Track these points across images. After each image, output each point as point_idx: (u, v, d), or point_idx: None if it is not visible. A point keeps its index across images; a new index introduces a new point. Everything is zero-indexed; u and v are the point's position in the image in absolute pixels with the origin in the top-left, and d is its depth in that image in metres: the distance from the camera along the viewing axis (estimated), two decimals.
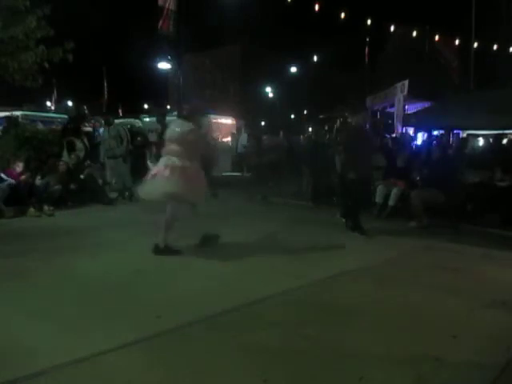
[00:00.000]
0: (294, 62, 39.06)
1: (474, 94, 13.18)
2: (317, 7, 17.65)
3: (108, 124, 9.85)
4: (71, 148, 9.20)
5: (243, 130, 17.13)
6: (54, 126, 12.65)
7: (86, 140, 9.84)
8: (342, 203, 7.42)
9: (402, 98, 12.95)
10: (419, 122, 11.33)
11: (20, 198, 7.62)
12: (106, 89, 40.04)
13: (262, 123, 30.40)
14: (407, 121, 12.08)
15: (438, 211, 7.13)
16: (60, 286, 4.10)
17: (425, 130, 12.85)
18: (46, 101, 36.43)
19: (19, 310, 3.52)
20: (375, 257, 5.37)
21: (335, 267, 4.79)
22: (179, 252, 5.16)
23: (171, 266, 4.78)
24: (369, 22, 19.83)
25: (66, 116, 15.10)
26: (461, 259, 5.29)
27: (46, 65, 10.69)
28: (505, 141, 10.79)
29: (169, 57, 14.98)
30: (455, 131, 12.47)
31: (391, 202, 7.78)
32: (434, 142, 10.57)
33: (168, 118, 11.44)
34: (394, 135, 12.51)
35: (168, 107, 30.59)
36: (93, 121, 13.39)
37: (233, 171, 15.39)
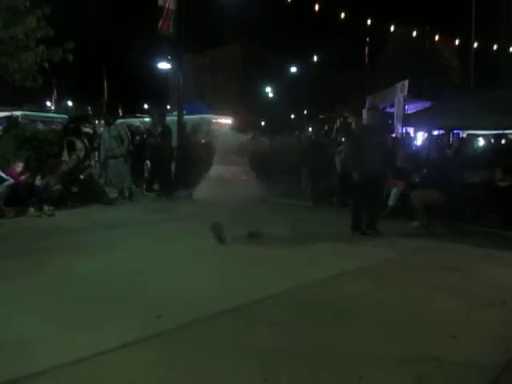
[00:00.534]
0: (294, 61, 39.09)
1: (474, 94, 13.15)
2: (317, 7, 17.63)
3: (108, 124, 9.86)
4: (71, 148, 9.20)
5: None
6: (54, 126, 12.65)
7: (86, 140, 9.85)
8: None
9: (401, 98, 12.92)
10: (419, 122, 11.31)
11: (20, 198, 7.62)
12: (106, 89, 40.02)
13: (262, 123, 30.39)
14: (407, 121, 12.07)
15: (438, 211, 7.13)
16: (60, 285, 4.10)
17: (425, 130, 12.85)
18: (46, 101, 36.40)
19: (19, 309, 3.52)
20: (375, 257, 5.37)
21: (335, 267, 4.79)
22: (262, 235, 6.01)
23: (171, 266, 4.78)
24: (369, 22, 19.81)
25: (65, 116, 15.11)
26: (461, 259, 5.29)
27: (46, 65, 10.71)
28: (505, 141, 10.80)
29: (169, 57, 14.95)
30: (455, 131, 12.46)
31: (391, 202, 7.78)
32: (437, 140, 10.57)
33: (168, 118, 11.44)
34: (393, 135, 12.49)
35: (168, 107, 30.59)
36: (96, 121, 13.40)
37: None
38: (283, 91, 46.04)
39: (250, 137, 6.87)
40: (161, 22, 12.05)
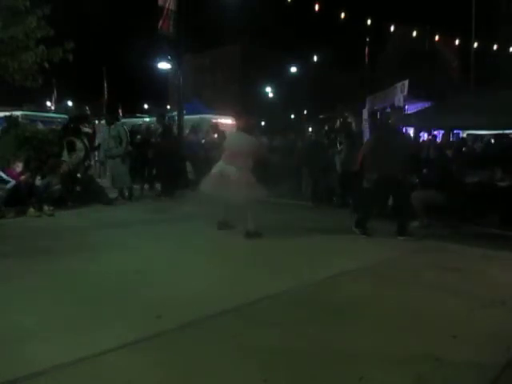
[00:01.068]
0: (294, 61, 39.12)
1: (474, 94, 13.16)
2: (317, 7, 17.64)
3: (109, 123, 9.86)
4: (71, 148, 9.21)
5: None
6: (54, 126, 12.64)
7: (85, 140, 9.85)
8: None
9: (402, 98, 12.91)
10: (419, 121, 11.31)
11: (20, 198, 7.62)
12: (106, 89, 39.97)
13: (262, 123, 30.39)
14: (407, 121, 12.05)
15: (438, 211, 7.13)
16: (60, 285, 4.10)
17: (425, 131, 12.84)
18: (46, 101, 36.37)
19: (19, 309, 3.52)
20: (375, 257, 5.37)
21: (335, 267, 4.79)
22: (262, 235, 6.05)
23: (171, 266, 4.79)
24: (369, 22, 19.82)
25: (65, 116, 15.09)
26: (461, 259, 5.29)
27: (46, 65, 10.70)
28: (504, 141, 10.79)
29: (169, 57, 14.97)
30: (455, 131, 12.46)
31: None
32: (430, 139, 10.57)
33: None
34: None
35: (168, 107, 30.60)
36: (96, 121, 13.39)
37: None
38: (283, 91, 46.09)
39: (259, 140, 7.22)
40: (161, 22, 12.06)
